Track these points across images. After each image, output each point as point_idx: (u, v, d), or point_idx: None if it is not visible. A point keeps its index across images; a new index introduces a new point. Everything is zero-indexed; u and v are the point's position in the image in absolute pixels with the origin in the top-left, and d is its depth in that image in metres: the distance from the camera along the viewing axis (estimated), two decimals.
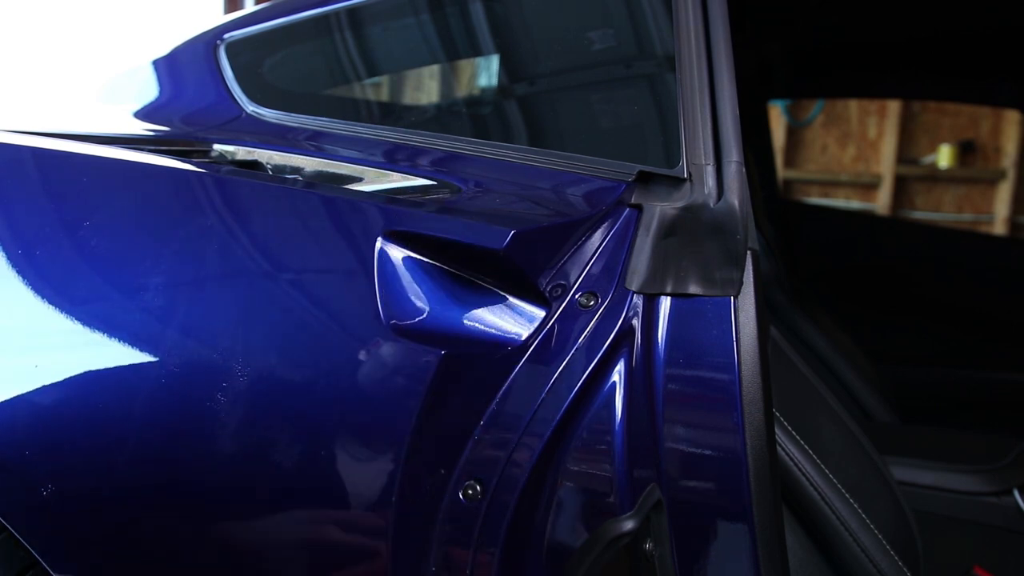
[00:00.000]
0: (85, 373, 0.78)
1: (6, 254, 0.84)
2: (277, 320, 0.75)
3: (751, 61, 1.96)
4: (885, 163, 4.13)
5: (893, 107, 4.08)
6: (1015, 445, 1.51)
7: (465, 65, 1.69)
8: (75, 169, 0.90)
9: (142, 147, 0.95)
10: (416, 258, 0.75)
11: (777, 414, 0.93)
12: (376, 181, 0.91)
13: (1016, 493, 1.40)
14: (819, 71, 2.25)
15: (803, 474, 0.95)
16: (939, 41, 1.94)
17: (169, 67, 1.25)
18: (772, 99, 3.33)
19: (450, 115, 1.59)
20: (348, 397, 0.72)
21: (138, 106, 1.20)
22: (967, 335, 2.31)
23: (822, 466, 0.97)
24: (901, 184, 4.15)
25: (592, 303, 0.75)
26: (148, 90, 1.23)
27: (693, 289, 0.73)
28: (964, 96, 2.37)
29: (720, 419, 0.72)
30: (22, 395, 0.78)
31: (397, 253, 0.74)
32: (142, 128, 1.13)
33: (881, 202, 4.14)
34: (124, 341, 0.77)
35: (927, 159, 4.11)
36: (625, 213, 0.79)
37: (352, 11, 1.17)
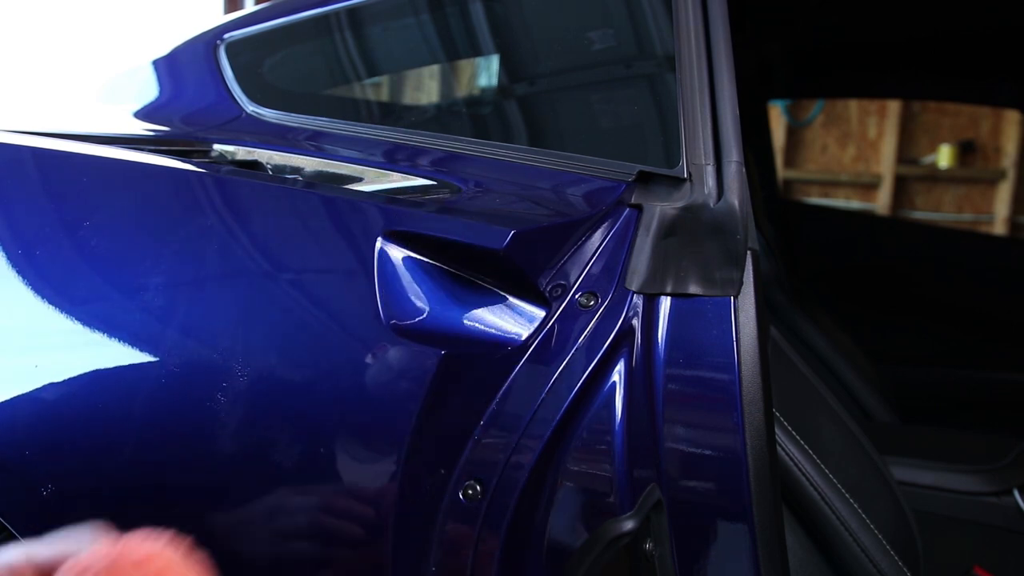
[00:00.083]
0: (85, 373, 0.78)
1: (6, 254, 0.84)
2: (277, 320, 0.75)
3: (751, 61, 1.95)
4: (885, 163, 4.13)
5: (893, 107, 4.07)
6: (1015, 445, 1.51)
7: (465, 65, 1.69)
8: (75, 169, 0.90)
9: (142, 147, 0.95)
10: (416, 258, 0.75)
11: (777, 414, 0.93)
12: (376, 181, 0.91)
13: (1016, 493, 1.40)
14: (819, 71, 2.25)
15: (803, 474, 0.95)
16: (939, 41, 1.94)
17: (169, 67, 1.25)
18: (772, 99, 3.33)
19: (450, 115, 1.59)
20: (348, 397, 0.72)
21: (138, 106, 1.20)
22: (967, 335, 2.31)
23: (822, 466, 0.97)
24: (901, 184, 4.14)
25: (592, 303, 0.75)
26: (148, 90, 1.23)
27: (693, 289, 0.73)
28: (964, 96, 2.37)
29: (720, 419, 0.72)
30: (22, 395, 0.78)
31: (397, 253, 0.74)
32: (142, 128, 1.13)
33: (881, 202, 4.14)
34: (124, 341, 0.77)
35: (927, 159, 4.11)
36: (625, 213, 0.79)
37: (352, 11, 1.17)
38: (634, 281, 0.75)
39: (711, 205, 0.76)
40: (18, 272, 0.82)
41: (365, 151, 1.00)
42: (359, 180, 0.92)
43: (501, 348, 0.73)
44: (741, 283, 0.73)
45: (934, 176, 4.09)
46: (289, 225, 0.80)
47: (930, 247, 2.49)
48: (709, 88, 0.82)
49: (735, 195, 0.76)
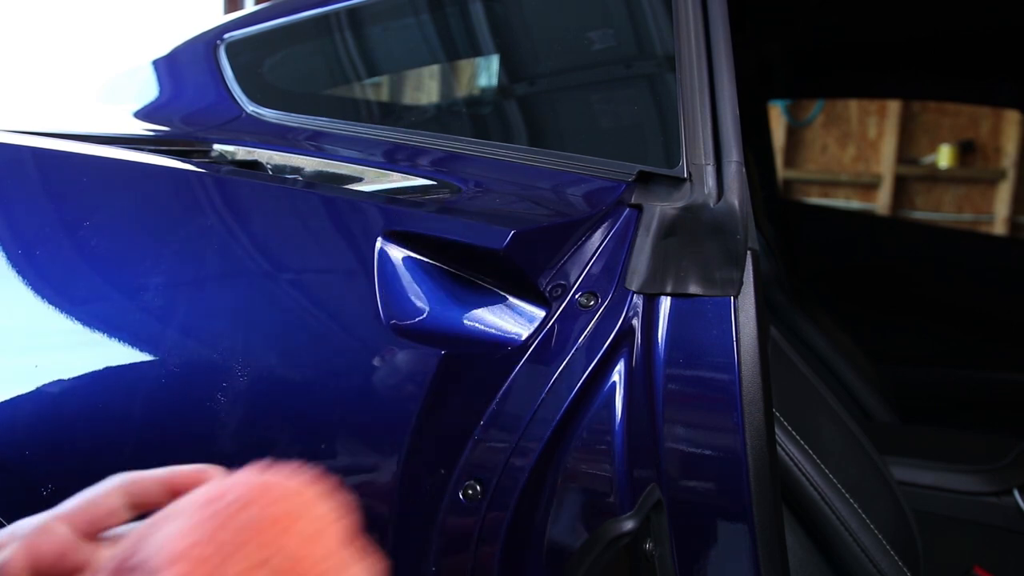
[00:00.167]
0: (85, 373, 0.78)
1: (6, 254, 0.84)
2: (277, 320, 0.75)
3: (751, 61, 1.95)
4: (885, 163, 4.13)
5: (893, 107, 4.07)
6: (1015, 445, 1.51)
7: (465, 65, 1.69)
8: (75, 169, 0.90)
9: (142, 147, 0.95)
10: (416, 258, 0.75)
11: (777, 414, 0.93)
12: (376, 181, 0.91)
13: (1016, 493, 1.40)
14: (819, 71, 2.25)
15: (803, 474, 0.95)
16: (939, 41, 1.94)
17: (169, 67, 1.25)
18: (772, 99, 3.33)
19: (450, 115, 1.59)
20: (348, 397, 0.72)
21: (138, 106, 1.20)
22: (967, 335, 2.31)
23: (822, 466, 0.97)
24: (901, 184, 4.14)
25: (592, 303, 0.75)
26: (148, 90, 1.23)
27: (693, 289, 0.73)
28: (964, 96, 2.37)
29: (720, 419, 0.72)
30: (22, 395, 0.78)
31: (397, 253, 0.74)
32: (142, 128, 1.13)
33: (881, 202, 4.14)
34: (124, 341, 0.77)
35: (927, 159, 4.11)
36: (625, 213, 0.79)
37: (352, 11, 1.17)
38: (634, 281, 0.75)
39: (711, 205, 0.76)
40: (18, 272, 0.82)
41: (365, 151, 1.00)
42: (359, 180, 0.92)
43: (501, 348, 0.73)
44: (741, 283, 0.73)
45: (934, 176, 4.09)
46: (289, 225, 0.80)
47: (930, 247, 2.49)
48: (709, 88, 0.82)
49: (735, 195, 0.76)
